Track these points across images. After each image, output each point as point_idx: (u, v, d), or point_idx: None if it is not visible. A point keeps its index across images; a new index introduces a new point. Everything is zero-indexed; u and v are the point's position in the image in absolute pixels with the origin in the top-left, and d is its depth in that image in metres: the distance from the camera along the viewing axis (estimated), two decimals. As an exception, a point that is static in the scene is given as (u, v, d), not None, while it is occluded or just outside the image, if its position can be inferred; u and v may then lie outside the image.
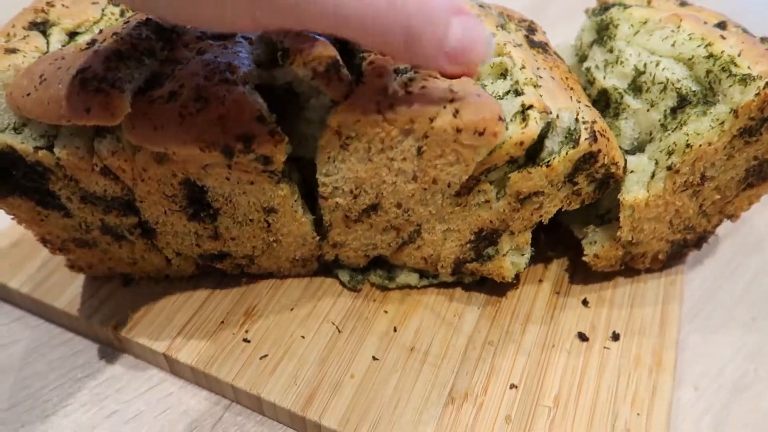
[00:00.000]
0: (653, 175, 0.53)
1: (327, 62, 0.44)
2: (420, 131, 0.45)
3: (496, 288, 0.60)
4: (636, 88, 0.56)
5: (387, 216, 0.53)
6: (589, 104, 0.55)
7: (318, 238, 0.56)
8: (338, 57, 0.45)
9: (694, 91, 0.53)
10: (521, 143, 0.46)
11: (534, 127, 0.47)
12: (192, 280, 0.61)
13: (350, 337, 0.56)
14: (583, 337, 0.56)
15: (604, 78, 0.58)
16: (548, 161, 0.50)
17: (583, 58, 0.65)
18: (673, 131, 0.53)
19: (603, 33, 0.62)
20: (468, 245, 0.55)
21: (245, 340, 0.56)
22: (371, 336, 0.57)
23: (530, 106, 0.47)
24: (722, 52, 0.52)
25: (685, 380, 0.58)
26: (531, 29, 0.66)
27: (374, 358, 0.55)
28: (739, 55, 0.51)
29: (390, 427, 0.50)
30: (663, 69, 0.54)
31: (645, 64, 0.55)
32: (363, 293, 0.60)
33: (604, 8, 0.64)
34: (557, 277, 0.62)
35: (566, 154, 0.49)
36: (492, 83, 0.52)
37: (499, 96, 0.50)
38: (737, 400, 0.56)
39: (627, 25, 0.59)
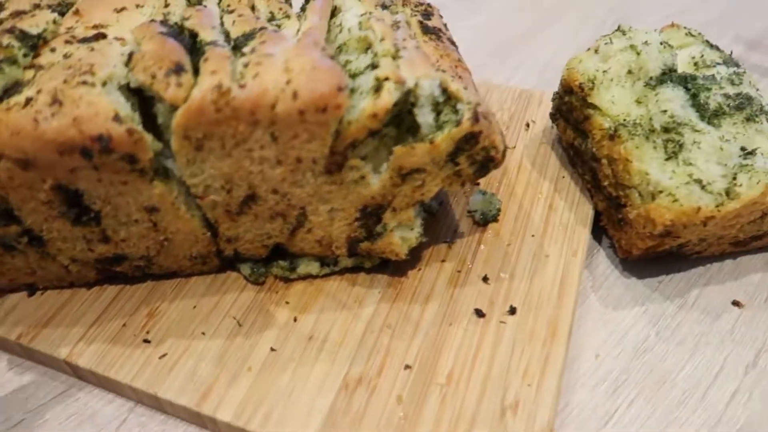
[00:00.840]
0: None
1: (168, 67, 0.44)
2: (265, 121, 0.45)
3: (398, 270, 0.61)
4: None
5: (267, 204, 0.53)
6: (476, 90, 0.55)
7: (209, 233, 0.56)
8: (182, 60, 0.45)
9: None
10: (375, 115, 0.47)
11: (387, 98, 0.47)
12: (96, 285, 0.61)
13: (250, 331, 0.57)
14: (479, 313, 0.57)
15: None
16: (431, 138, 0.50)
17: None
18: None
19: None
20: (356, 223, 0.55)
21: (146, 341, 0.56)
22: (271, 328, 0.57)
23: (386, 78, 0.48)
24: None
25: (588, 348, 0.58)
26: (426, 14, 0.66)
27: (272, 350, 0.55)
28: None
29: (283, 416, 0.51)
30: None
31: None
32: (266, 286, 0.61)
33: None
34: (460, 256, 0.62)
35: (449, 132, 0.50)
36: (356, 58, 0.52)
37: (360, 71, 0.50)
38: (636, 364, 0.57)
39: None
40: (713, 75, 0.63)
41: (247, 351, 0.55)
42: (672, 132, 0.58)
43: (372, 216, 0.55)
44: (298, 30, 0.54)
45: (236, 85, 0.45)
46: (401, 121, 0.51)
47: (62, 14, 0.55)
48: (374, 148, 0.52)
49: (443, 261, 0.62)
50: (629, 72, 0.63)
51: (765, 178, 0.54)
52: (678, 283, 0.63)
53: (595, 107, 0.62)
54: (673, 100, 0.59)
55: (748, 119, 0.59)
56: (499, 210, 0.66)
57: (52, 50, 0.50)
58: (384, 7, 0.62)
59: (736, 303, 0.61)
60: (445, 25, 0.68)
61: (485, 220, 0.65)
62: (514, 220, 0.66)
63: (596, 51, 0.66)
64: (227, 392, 0.52)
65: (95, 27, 0.54)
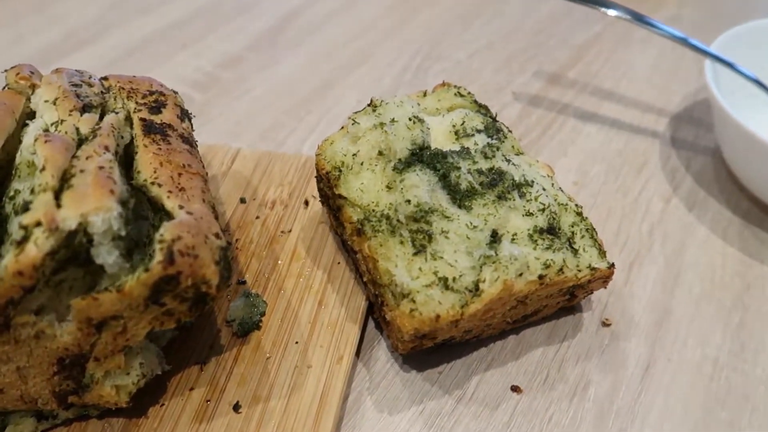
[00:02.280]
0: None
1: None
2: None
3: (136, 410, 0.53)
4: None
5: None
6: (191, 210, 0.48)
7: None
8: None
9: None
10: (20, 273, 0.39)
11: (33, 252, 0.39)
12: None
13: None
14: (223, 455, 0.50)
15: None
16: (119, 285, 0.43)
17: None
18: None
19: None
20: (56, 377, 0.47)
21: None
22: None
23: (37, 224, 0.40)
24: None
25: (358, 468, 0.53)
26: (156, 106, 0.58)
27: None
28: None
29: None
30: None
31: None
32: (-24, 451, 0.51)
33: None
34: (213, 380, 0.55)
35: (138, 278, 0.42)
36: (25, 189, 0.44)
37: (18, 209, 0.42)
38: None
39: None
40: (468, 148, 0.59)
41: None
42: (421, 221, 0.53)
43: (74, 367, 0.47)
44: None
45: None
46: (87, 258, 0.44)
47: None
48: (51, 297, 0.43)
49: (191, 389, 0.54)
50: (380, 153, 0.58)
51: (505, 273, 0.51)
52: (458, 372, 0.59)
53: (343, 198, 0.57)
54: (419, 185, 0.54)
55: (500, 197, 0.56)
56: (262, 315, 0.59)
57: None
58: (86, 109, 0.53)
59: (515, 389, 0.58)
60: (184, 112, 0.61)
61: (244, 330, 0.58)
62: (279, 323, 0.59)
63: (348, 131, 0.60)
64: None
65: None
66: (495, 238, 0.53)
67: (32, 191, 0.43)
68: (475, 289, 0.50)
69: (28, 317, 0.42)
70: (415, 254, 0.52)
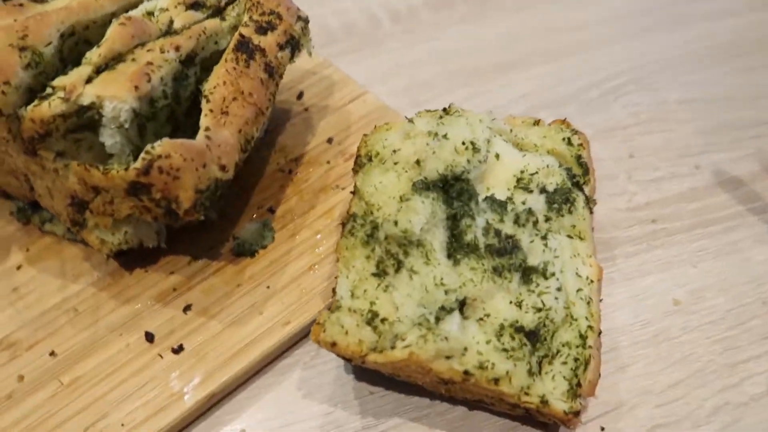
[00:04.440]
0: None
1: None
2: None
3: (128, 263, 0.62)
4: None
5: None
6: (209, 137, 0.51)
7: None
8: None
9: None
10: (32, 120, 0.47)
11: (45, 109, 0.47)
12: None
13: (-17, 260, 0.62)
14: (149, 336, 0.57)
15: None
16: (107, 169, 0.50)
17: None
18: None
19: None
20: (70, 207, 0.57)
21: None
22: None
23: (63, 88, 0.47)
24: None
25: None
26: (266, 27, 0.61)
27: (-20, 285, 0.60)
28: None
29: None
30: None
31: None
32: (27, 228, 0.65)
33: None
34: (190, 275, 0.61)
35: (118, 171, 0.49)
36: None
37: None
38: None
39: None
40: (508, 202, 0.52)
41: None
42: (400, 248, 0.50)
43: (80, 206, 0.56)
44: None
45: None
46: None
47: None
48: (69, 147, 0.52)
49: (172, 273, 0.61)
50: (417, 163, 0.54)
51: (424, 346, 0.45)
52: (386, 404, 0.56)
53: (356, 188, 0.54)
54: (419, 213, 0.50)
55: (497, 271, 0.48)
56: (263, 248, 0.63)
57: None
58: (195, 6, 0.58)
59: (420, 454, 0.54)
60: (290, 42, 0.63)
61: (238, 252, 0.62)
62: (268, 264, 0.62)
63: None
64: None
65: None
66: (460, 305, 0.48)
67: (84, 59, 0.50)
68: (392, 343, 0.46)
69: (48, 154, 0.51)
70: (372, 275, 0.49)
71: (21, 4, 0.52)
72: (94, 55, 0.50)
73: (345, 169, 0.70)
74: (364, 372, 0.58)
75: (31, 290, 0.60)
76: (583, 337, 0.48)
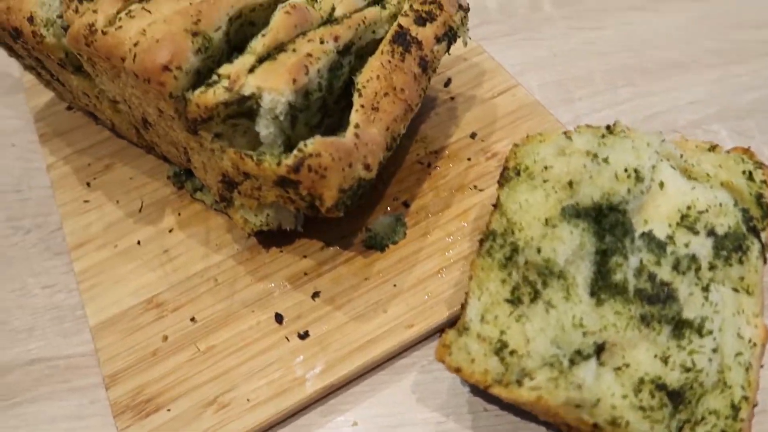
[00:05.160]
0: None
1: None
2: (119, 67, 0.51)
3: (265, 242, 0.64)
4: None
5: (157, 131, 0.60)
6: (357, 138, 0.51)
7: (134, 129, 0.66)
8: None
9: None
10: (198, 106, 0.49)
11: (210, 96, 0.49)
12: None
13: (147, 214, 0.68)
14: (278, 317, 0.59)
15: None
16: (261, 159, 0.51)
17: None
18: None
19: None
20: (221, 183, 0.59)
21: (87, 183, 0.72)
22: (153, 224, 0.67)
23: (227, 76, 0.48)
24: None
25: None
26: (425, 18, 0.59)
27: (138, 243, 0.66)
28: None
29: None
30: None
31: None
32: (182, 193, 0.69)
33: None
34: (321, 261, 0.62)
35: (271, 163, 0.50)
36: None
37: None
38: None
39: None
40: (668, 243, 0.47)
41: (129, 229, 0.67)
42: (539, 277, 0.47)
43: (229, 185, 0.58)
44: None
45: (101, 30, 0.50)
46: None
47: None
48: (226, 130, 0.54)
49: (304, 257, 0.63)
50: (569, 184, 0.50)
51: (554, 391, 0.42)
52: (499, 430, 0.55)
53: (499, 202, 0.52)
54: (565, 243, 0.46)
55: (644, 319, 0.44)
56: (393, 243, 0.62)
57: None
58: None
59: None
60: (448, 34, 0.60)
61: (369, 245, 0.62)
62: (397, 261, 0.61)
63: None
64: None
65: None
66: (597, 350, 0.44)
67: (248, 47, 0.51)
68: (518, 379, 0.44)
69: (207, 135, 0.54)
70: (506, 301, 0.47)
71: (196, -14, 0.53)
72: (258, 45, 0.50)
73: (485, 168, 0.67)
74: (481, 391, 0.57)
75: (180, 254, 0.64)
76: (735, 408, 0.43)
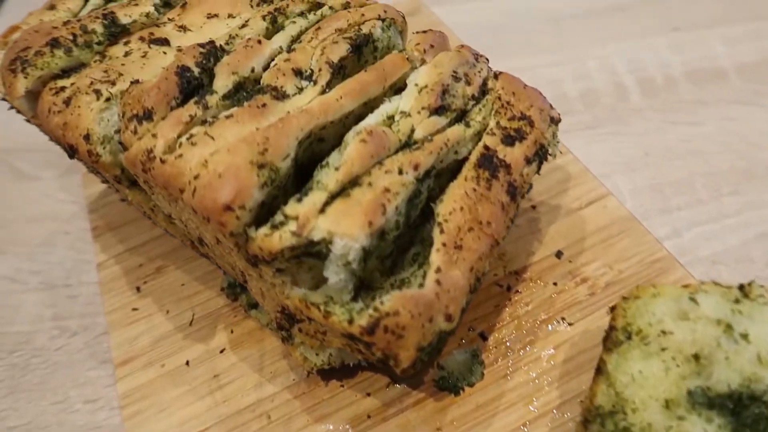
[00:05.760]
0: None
1: (135, 111, 0.49)
2: (175, 196, 0.46)
3: (325, 376, 0.57)
4: None
5: (213, 251, 0.55)
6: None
7: (189, 242, 0.61)
8: (156, 107, 0.48)
9: None
10: (261, 248, 0.43)
11: (276, 241, 0.43)
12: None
13: (198, 330, 0.63)
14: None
15: None
16: (328, 310, 0.45)
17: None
18: None
19: None
20: (279, 314, 0.54)
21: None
22: (203, 342, 0.61)
23: (295, 217, 0.43)
24: None
25: None
26: (514, 136, 0.53)
27: (187, 363, 0.60)
28: None
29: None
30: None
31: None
32: (234, 305, 0.64)
33: None
34: (387, 401, 0.55)
35: (341, 318, 0.44)
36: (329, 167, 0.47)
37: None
38: None
39: None
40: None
41: (177, 346, 0.61)
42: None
43: (289, 319, 0.52)
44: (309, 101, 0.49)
45: (160, 158, 0.46)
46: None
47: (166, 4, 0.60)
48: (290, 267, 0.48)
49: (368, 395, 0.56)
50: (695, 357, 0.41)
51: None
52: None
53: (603, 366, 0.44)
54: (695, 443, 0.38)
55: None
56: (469, 386, 0.55)
57: (126, 43, 0.56)
58: (440, 110, 0.51)
59: None
60: (539, 153, 0.53)
61: (442, 386, 0.55)
62: (473, 409, 0.53)
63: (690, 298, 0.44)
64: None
65: (181, 28, 0.58)
66: None
67: (318, 182, 0.45)
68: None
69: (268, 270, 0.48)
70: (619, 505, 0.39)
71: (264, 104, 0.48)
72: (330, 180, 0.44)
73: (574, 296, 0.59)
74: None
75: (231, 380, 0.58)
76: None
